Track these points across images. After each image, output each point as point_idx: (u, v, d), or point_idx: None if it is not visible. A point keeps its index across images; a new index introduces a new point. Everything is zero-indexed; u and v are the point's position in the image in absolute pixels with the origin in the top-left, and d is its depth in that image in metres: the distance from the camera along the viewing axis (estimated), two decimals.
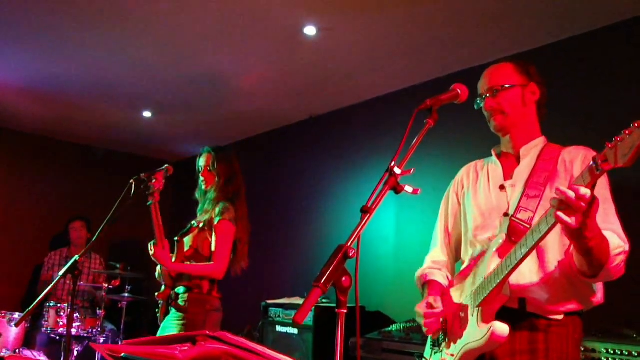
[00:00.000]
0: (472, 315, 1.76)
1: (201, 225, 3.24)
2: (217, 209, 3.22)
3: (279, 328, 4.40)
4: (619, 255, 1.63)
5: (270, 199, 5.90)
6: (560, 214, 1.45)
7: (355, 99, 5.02)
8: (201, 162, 3.41)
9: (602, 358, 2.62)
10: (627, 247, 1.69)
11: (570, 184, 1.47)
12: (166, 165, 3.35)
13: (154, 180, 3.16)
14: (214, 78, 4.65)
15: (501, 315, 1.72)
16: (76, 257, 2.88)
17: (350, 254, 1.44)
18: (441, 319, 1.92)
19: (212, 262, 3.19)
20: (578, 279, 1.69)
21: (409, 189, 1.62)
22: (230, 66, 4.42)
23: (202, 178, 3.37)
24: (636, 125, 1.29)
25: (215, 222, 3.19)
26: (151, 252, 3.12)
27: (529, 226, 1.75)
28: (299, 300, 4.53)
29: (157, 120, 5.76)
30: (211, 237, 3.21)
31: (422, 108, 1.76)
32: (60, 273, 2.86)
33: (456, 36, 3.75)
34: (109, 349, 1.26)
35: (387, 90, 4.78)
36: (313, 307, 4.15)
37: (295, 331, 4.26)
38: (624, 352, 2.57)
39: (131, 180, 3.18)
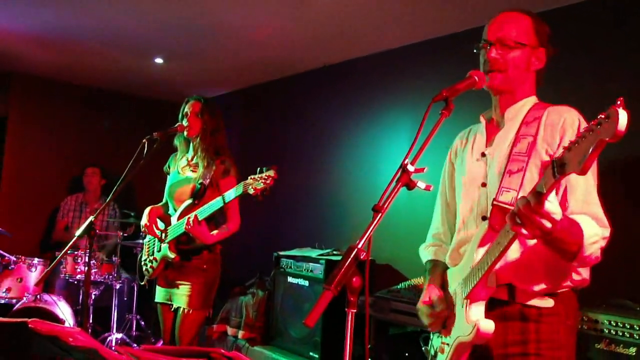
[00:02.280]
0: (462, 307, 1.78)
1: (207, 182, 3.24)
2: (221, 167, 3.25)
3: (290, 279, 4.50)
4: (594, 244, 1.58)
5: (281, 148, 5.91)
6: (512, 222, 1.47)
7: (368, 50, 4.92)
8: (187, 108, 3.36)
9: (605, 329, 2.68)
10: (606, 233, 1.64)
11: (532, 189, 1.44)
12: (178, 124, 3.36)
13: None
14: (227, 28, 4.56)
15: (492, 307, 1.73)
16: (91, 218, 2.95)
17: (362, 257, 1.45)
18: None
19: (227, 223, 3.26)
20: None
21: (421, 185, 1.61)
22: (243, 17, 4.32)
23: (186, 124, 3.32)
24: (586, 130, 1.23)
25: (223, 180, 3.25)
26: (179, 231, 3.15)
27: (512, 207, 1.72)
28: (310, 252, 4.61)
29: (168, 66, 5.70)
30: (219, 193, 3.22)
31: (438, 99, 1.69)
32: (77, 234, 2.94)
33: None
34: (128, 351, 1.32)
35: (401, 42, 4.67)
36: (324, 260, 4.25)
37: (306, 283, 4.37)
38: (626, 324, 2.63)
39: (144, 140, 3.20)
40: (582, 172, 1.25)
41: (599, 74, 3.49)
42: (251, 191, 2.88)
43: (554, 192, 1.48)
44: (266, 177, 2.88)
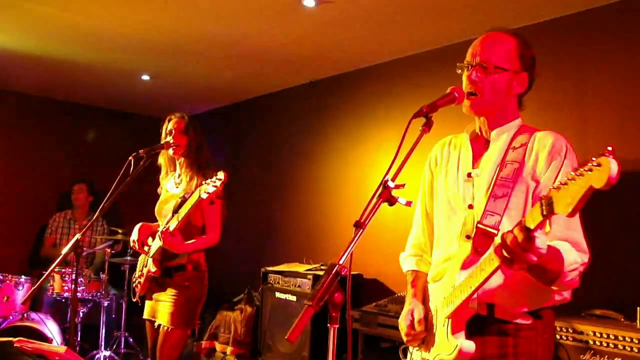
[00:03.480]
0: (443, 326, 1.79)
1: (188, 197, 3.21)
2: (203, 179, 3.15)
3: (277, 294, 4.51)
4: (573, 271, 1.60)
5: (268, 164, 5.93)
6: (499, 253, 1.48)
7: (356, 65, 4.98)
8: (171, 126, 3.35)
9: (590, 341, 2.70)
10: (585, 259, 1.66)
11: (519, 222, 1.44)
12: (164, 142, 3.36)
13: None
14: (214, 44, 4.60)
15: (471, 323, 1.74)
16: (77, 235, 2.93)
17: (343, 273, 1.47)
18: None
19: (205, 234, 3.23)
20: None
21: (402, 200, 1.63)
22: (230, 34, 4.36)
23: (172, 141, 3.31)
24: (576, 173, 1.23)
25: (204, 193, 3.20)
26: (160, 243, 3.14)
27: (496, 232, 1.71)
28: (298, 267, 4.62)
29: (155, 83, 5.73)
30: (200, 207, 3.19)
31: (418, 115, 1.71)
32: (64, 251, 2.91)
33: (454, 6, 3.69)
34: None
35: (388, 57, 4.73)
36: (311, 275, 4.26)
37: (293, 298, 4.37)
38: (611, 335, 2.65)
39: (130, 157, 3.19)
40: (571, 215, 1.26)
41: (579, 86, 3.55)
42: (204, 195, 2.91)
43: None
44: (215, 181, 2.92)
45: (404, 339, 1.96)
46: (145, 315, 3.31)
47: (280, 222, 5.64)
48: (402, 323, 1.96)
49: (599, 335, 2.69)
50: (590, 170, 1.20)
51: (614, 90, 3.38)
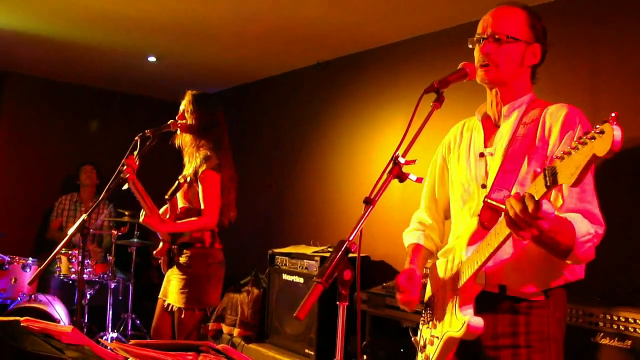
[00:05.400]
0: (452, 301, 1.78)
1: (188, 179, 3.21)
2: (199, 160, 3.16)
3: (285, 276, 4.50)
4: (586, 242, 1.57)
5: (275, 145, 5.90)
6: (509, 223, 1.45)
7: (363, 46, 4.92)
8: (182, 105, 3.34)
9: (600, 323, 2.68)
10: (600, 231, 1.62)
11: (524, 193, 1.41)
12: (170, 122, 3.33)
13: (125, 167, 3.02)
14: (221, 25, 4.55)
15: (482, 300, 1.73)
16: (84, 216, 2.92)
17: (353, 249, 1.45)
18: (428, 297, 1.97)
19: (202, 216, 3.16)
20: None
21: (412, 177, 1.61)
22: (237, 14, 4.31)
23: (178, 121, 3.29)
24: (579, 142, 1.20)
25: (199, 174, 3.14)
26: (140, 219, 3.13)
27: (503, 206, 1.67)
28: (305, 249, 4.61)
29: (162, 64, 5.68)
30: (197, 189, 3.18)
31: (429, 91, 1.71)
32: (70, 232, 2.91)
33: None
34: (118, 346, 1.31)
35: (396, 38, 4.66)
36: (319, 257, 4.25)
37: (301, 280, 4.36)
38: (621, 317, 2.63)
39: (136, 137, 3.17)
40: (574, 185, 1.23)
41: (592, 64, 3.49)
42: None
43: None
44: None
45: (401, 295, 1.96)
46: (160, 294, 3.30)
47: (287, 204, 5.62)
48: (399, 280, 1.97)
49: (609, 318, 2.66)
50: (593, 138, 1.17)
51: (628, 68, 3.32)
